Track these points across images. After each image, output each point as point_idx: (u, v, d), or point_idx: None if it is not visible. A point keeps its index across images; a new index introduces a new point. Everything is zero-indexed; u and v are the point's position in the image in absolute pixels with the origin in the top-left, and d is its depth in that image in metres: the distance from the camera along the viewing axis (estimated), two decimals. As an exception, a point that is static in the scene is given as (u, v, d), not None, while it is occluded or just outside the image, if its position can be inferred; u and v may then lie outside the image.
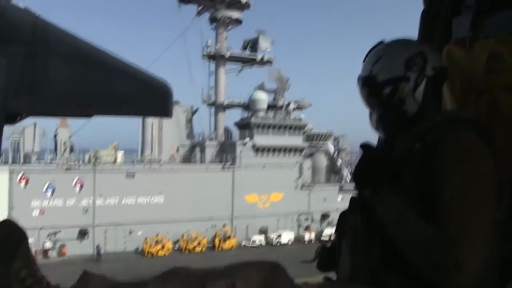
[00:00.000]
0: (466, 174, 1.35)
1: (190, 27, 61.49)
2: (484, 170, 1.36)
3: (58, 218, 38.64)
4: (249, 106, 53.17)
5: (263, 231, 47.83)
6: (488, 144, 1.43)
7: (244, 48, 57.02)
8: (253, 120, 50.34)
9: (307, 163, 53.02)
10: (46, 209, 38.82)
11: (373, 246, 1.48)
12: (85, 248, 39.58)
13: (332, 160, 56.53)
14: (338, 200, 50.72)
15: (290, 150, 51.18)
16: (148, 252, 41.19)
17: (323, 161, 55.41)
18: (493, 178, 1.36)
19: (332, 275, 1.74)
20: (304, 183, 51.42)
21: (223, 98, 54.98)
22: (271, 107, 53.65)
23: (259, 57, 56.09)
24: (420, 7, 2.38)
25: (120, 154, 45.35)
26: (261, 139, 49.49)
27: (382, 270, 1.45)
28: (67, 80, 1.27)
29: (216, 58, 54.90)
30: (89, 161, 42.23)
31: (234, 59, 56.46)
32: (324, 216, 50.73)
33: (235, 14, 54.84)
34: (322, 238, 45.38)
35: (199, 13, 54.98)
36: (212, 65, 55.90)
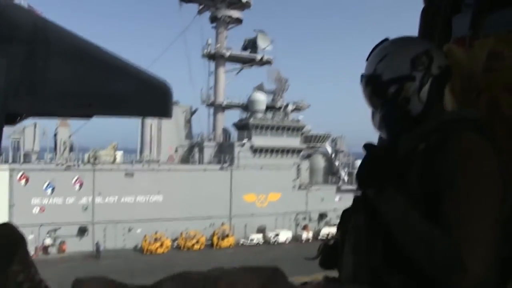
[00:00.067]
0: (470, 175, 1.36)
1: (190, 26, 61.72)
2: (488, 171, 1.37)
3: (58, 216, 38.97)
4: (247, 107, 53.41)
5: (261, 230, 48.12)
6: (491, 144, 1.43)
7: (245, 48, 57.10)
8: (251, 121, 50.60)
9: (305, 164, 53.38)
10: (46, 207, 39.16)
11: (376, 245, 1.49)
12: (85, 245, 39.89)
13: (329, 161, 56.78)
14: (336, 200, 51.30)
15: (288, 151, 51.42)
16: (147, 250, 41.51)
17: (321, 162, 55.71)
18: (496, 178, 1.37)
19: (332, 272, 1.77)
20: (302, 184, 51.78)
21: (222, 99, 55.24)
22: (270, 108, 53.87)
23: (258, 57, 56.23)
24: (420, 5, 2.37)
25: (119, 154, 45.68)
26: (259, 140, 49.78)
27: (384, 270, 1.45)
28: (67, 80, 1.26)
29: (216, 58, 55.10)
30: (89, 161, 42.55)
31: (233, 59, 56.60)
32: (322, 216, 51.14)
33: (235, 13, 55.02)
34: (320, 237, 45.59)
35: (199, 12, 55.22)
36: (212, 65, 56.19)
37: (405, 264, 1.39)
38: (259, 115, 51.96)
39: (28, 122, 40.71)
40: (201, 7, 54.76)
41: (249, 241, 46.33)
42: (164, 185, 43.47)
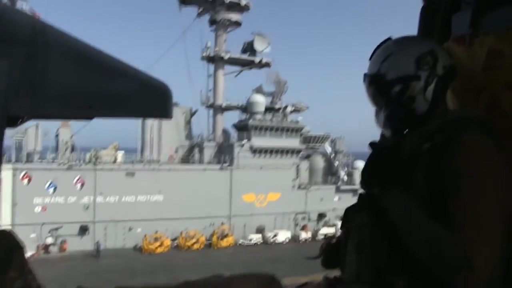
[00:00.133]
0: (475, 175, 1.36)
1: (190, 29, 61.92)
2: (493, 170, 1.37)
3: (59, 215, 39.46)
4: (247, 108, 53.65)
5: (260, 230, 48.41)
6: (496, 143, 1.43)
7: (244, 50, 57.27)
8: (250, 122, 50.89)
9: (304, 165, 53.68)
10: (48, 206, 39.65)
11: (380, 245, 1.48)
12: (85, 244, 40.28)
13: (329, 161, 57.01)
14: (335, 200, 51.66)
15: (287, 151, 51.75)
16: (146, 249, 41.82)
17: (320, 162, 55.96)
18: (501, 177, 1.37)
19: (332, 272, 1.77)
20: (301, 184, 52.06)
21: (221, 100, 55.49)
22: (269, 109, 54.11)
23: (257, 59, 56.52)
24: (419, 4, 2.37)
25: (120, 154, 46.00)
26: (259, 141, 50.15)
27: (389, 269, 1.45)
28: (67, 82, 1.27)
29: (215, 60, 55.34)
30: (90, 161, 42.98)
31: (233, 61, 56.82)
32: (321, 216, 51.49)
33: (234, 16, 55.27)
34: (318, 238, 45.87)
35: (199, 15, 55.38)
36: (211, 67, 56.40)
37: (409, 264, 1.39)
38: (258, 117, 52.22)
39: (30, 123, 41.23)
40: (200, 10, 54.92)
41: (248, 241, 46.59)
42: (165, 185, 43.88)
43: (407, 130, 1.63)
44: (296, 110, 57.17)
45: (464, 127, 1.48)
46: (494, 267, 1.27)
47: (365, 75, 1.66)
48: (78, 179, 41.45)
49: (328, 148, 58.77)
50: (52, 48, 1.25)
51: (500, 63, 1.74)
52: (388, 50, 1.61)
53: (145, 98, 1.43)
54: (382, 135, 1.79)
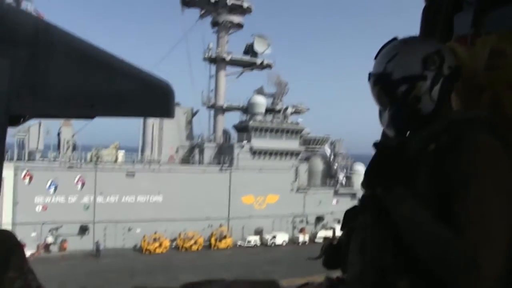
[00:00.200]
0: (482, 175, 1.35)
1: (192, 30, 61.99)
2: (500, 171, 1.36)
3: (60, 214, 39.74)
4: (247, 109, 53.91)
5: (259, 232, 48.56)
6: (503, 144, 1.42)
7: (246, 52, 57.51)
8: (251, 123, 51.09)
9: (304, 167, 53.85)
10: (49, 205, 39.92)
11: (383, 245, 1.47)
12: (85, 244, 40.49)
13: (328, 164, 57.16)
14: (333, 203, 51.86)
15: (287, 153, 51.94)
16: (146, 249, 42.07)
17: (319, 165, 56.14)
18: (509, 178, 1.35)
19: (332, 273, 1.77)
20: (300, 186, 52.20)
21: (222, 101, 55.78)
22: (269, 110, 54.32)
23: (259, 61, 56.79)
24: (421, 4, 2.37)
25: (121, 154, 46.22)
26: (259, 142, 50.36)
27: (393, 269, 1.43)
28: (69, 81, 1.27)
29: (217, 62, 55.66)
30: (91, 160, 43.21)
31: (234, 62, 57.10)
32: (319, 219, 51.70)
33: (236, 18, 55.58)
34: (316, 240, 46.09)
35: (201, 17, 55.70)
36: (213, 68, 56.69)
37: (413, 264, 1.38)
38: (259, 118, 52.42)
39: (33, 121, 41.21)
40: (202, 11, 55.25)
41: (246, 243, 46.75)
42: (165, 186, 44.11)
43: (412, 130, 1.62)
44: (297, 112, 57.39)
45: (471, 127, 1.47)
46: (501, 268, 1.26)
47: (370, 74, 1.66)
48: (78, 179, 41.71)
49: (328, 150, 58.88)
50: (55, 48, 1.26)
51: (502, 63, 1.73)
52: (394, 49, 1.61)
53: (148, 97, 1.43)
54: (384, 135, 1.80)
